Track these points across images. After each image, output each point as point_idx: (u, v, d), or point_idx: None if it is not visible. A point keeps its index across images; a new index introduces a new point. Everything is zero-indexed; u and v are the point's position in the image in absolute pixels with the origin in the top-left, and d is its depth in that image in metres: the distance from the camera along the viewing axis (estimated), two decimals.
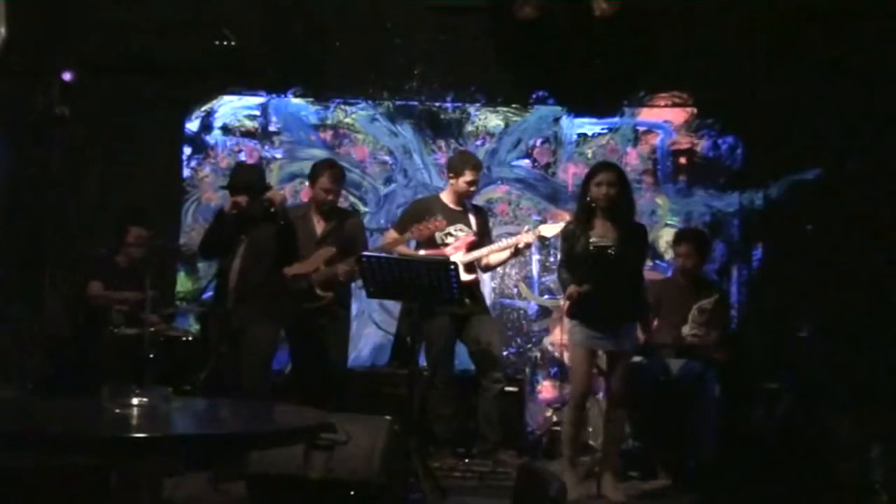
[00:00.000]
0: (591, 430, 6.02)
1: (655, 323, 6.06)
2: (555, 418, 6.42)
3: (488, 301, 6.53)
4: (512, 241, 5.76)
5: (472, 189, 5.98)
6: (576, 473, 5.20)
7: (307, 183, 6.16)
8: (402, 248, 5.79)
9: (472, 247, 5.85)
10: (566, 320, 5.43)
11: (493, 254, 5.85)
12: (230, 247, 5.48)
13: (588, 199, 5.18)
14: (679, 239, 6.21)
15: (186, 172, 7.46)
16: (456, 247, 5.83)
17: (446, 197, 6.02)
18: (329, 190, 5.81)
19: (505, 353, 6.55)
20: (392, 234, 5.97)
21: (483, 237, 5.96)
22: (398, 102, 7.42)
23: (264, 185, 5.66)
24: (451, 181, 5.96)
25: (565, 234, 5.31)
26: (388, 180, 7.46)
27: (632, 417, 5.77)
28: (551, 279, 7.20)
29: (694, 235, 6.26)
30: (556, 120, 7.41)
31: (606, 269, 5.08)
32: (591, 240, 5.14)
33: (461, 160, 5.99)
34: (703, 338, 5.89)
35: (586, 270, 5.11)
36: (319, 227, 5.88)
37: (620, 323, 5.18)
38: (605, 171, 5.25)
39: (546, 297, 7.28)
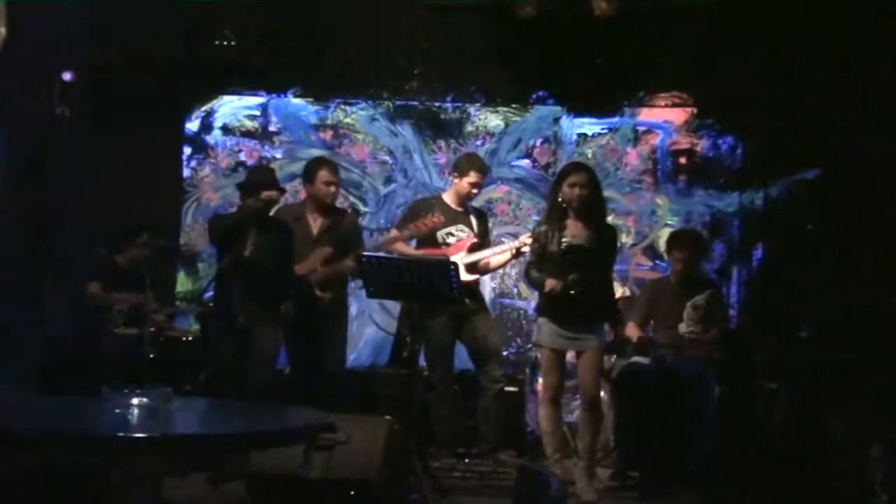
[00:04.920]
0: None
1: (652, 323, 6.05)
2: None
3: (488, 301, 6.52)
4: (515, 244, 5.76)
5: (475, 192, 5.97)
6: (562, 471, 5.16)
7: None
8: (403, 248, 5.79)
9: (473, 247, 5.85)
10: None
11: (494, 256, 5.85)
12: (235, 244, 5.48)
13: (560, 199, 5.18)
14: (673, 244, 6.14)
15: (186, 172, 7.46)
16: (457, 247, 5.83)
17: (448, 197, 6.01)
18: (331, 182, 5.83)
19: (505, 353, 6.54)
20: (394, 235, 5.97)
21: (483, 240, 5.96)
22: (398, 102, 7.42)
23: (277, 186, 5.66)
24: (455, 181, 5.95)
25: (537, 235, 5.30)
26: (388, 180, 7.45)
27: (631, 417, 5.77)
28: None
29: (687, 239, 6.21)
30: (556, 120, 7.41)
31: (578, 269, 5.06)
32: (563, 239, 5.13)
33: (467, 161, 5.99)
34: (701, 335, 5.89)
35: (559, 270, 5.09)
36: (315, 226, 5.88)
37: (589, 323, 5.18)
38: (578, 172, 5.24)
39: None
